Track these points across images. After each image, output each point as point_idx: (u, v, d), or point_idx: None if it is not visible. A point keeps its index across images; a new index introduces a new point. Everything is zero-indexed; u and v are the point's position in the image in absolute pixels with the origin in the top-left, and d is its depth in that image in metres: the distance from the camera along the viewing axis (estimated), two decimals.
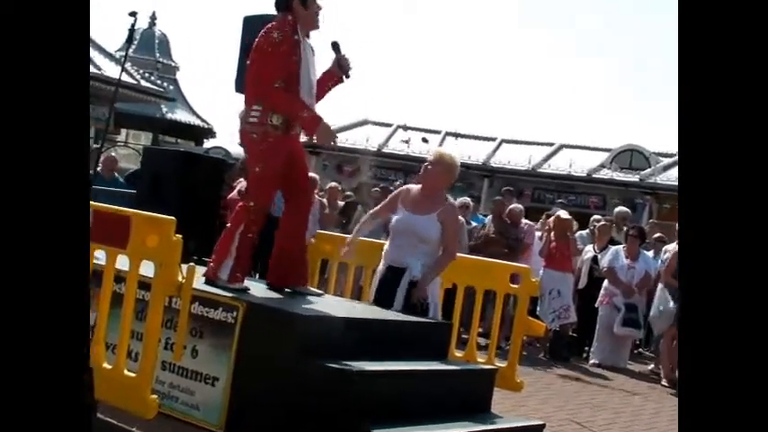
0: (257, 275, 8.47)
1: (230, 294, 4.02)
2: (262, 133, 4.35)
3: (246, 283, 4.43)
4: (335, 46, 4.58)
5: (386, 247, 5.03)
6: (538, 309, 9.01)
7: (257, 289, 4.57)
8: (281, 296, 4.49)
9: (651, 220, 17.24)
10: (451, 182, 5.13)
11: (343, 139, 22.87)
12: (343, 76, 4.62)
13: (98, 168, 9.49)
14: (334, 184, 11.57)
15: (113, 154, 12.51)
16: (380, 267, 4.98)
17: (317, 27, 4.50)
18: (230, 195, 8.67)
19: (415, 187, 5.14)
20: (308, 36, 4.50)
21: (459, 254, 7.30)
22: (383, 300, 4.84)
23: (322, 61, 4.63)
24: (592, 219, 11.23)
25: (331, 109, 5.07)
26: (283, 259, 4.64)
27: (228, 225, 4.46)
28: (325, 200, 10.49)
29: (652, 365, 9.67)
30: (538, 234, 9.76)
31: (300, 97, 4.34)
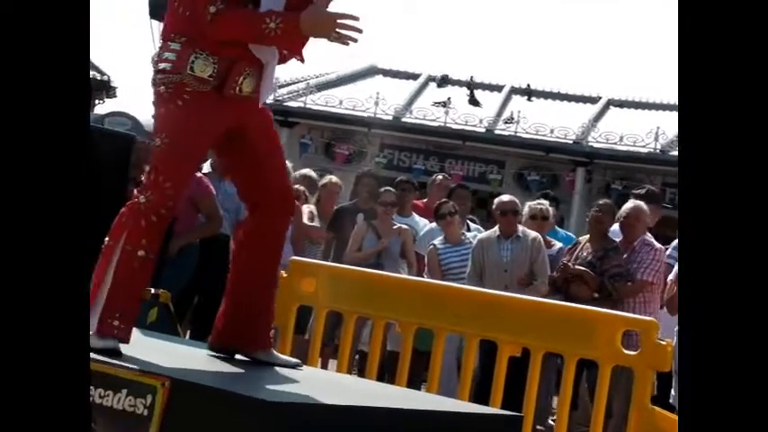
0: (187, 334, 8.55)
1: (139, 367, 4.04)
2: (176, 85, 4.41)
3: (172, 345, 4.44)
4: None
5: None
6: (672, 393, 9.00)
7: (191, 357, 4.59)
8: (229, 368, 4.52)
9: None
10: None
11: (336, 101, 22.84)
12: None
13: None
14: (334, 178, 11.63)
15: None
16: None
17: None
18: None
19: None
20: None
21: (533, 297, 7.36)
22: None
23: None
24: None
25: (315, 48, 5.00)
26: (239, 311, 4.68)
27: (107, 240, 4.45)
28: (311, 206, 10.49)
29: None
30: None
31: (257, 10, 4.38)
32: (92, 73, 29.27)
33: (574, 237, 10.78)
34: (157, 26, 8.76)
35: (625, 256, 9.11)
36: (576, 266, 9.02)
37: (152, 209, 4.37)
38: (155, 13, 6.80)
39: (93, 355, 4.04)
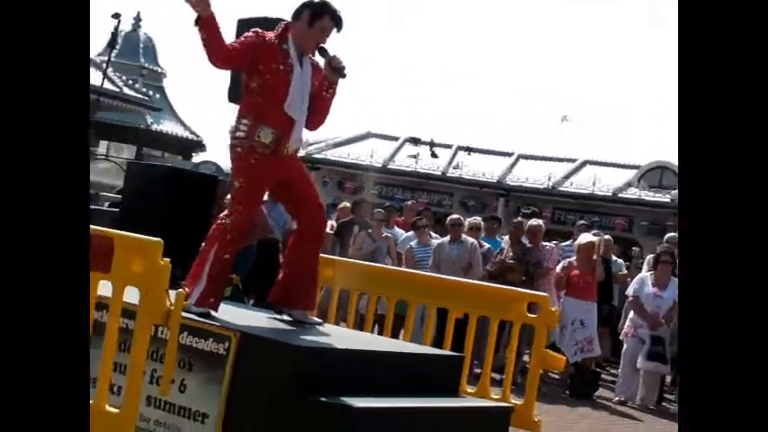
0: (251, 303, 8.52)
1: (220, 324, 4.05)
2: (247, 148, 4.43)
3: (241, 310, 4.45)
4: (322, 50, 4.64)
5: None
6: (556, 340, 9.03)
7: (253, 318, 4.60)
8: (277, 326, 4.53)
9: None
10: None
11: (345, 154, 22.98)
12: (338, 77, 4.63)
13: None
14: (348, 204, 11.81)
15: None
16: None
17: (310, 49, 4.58)
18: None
19: None
20: (311, 55, 4.60)
21: (471, 280, 7.34)
22: None
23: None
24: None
25: (331, 121, 5.07)
26: (289, 282, 4.72)
27: (203, 245, 4.50)
28: (332, 221, 10.57)
29: None
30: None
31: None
32: (189, 135, 29.22)
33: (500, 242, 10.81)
34: (233, 107, 8.74)
35: (534, 253, 9.60)
36: (508, 261, 9.50)
37: (233, 227, 4.43)
38: (232, 98, 6.79)
39: (192, 316, 4.07)
